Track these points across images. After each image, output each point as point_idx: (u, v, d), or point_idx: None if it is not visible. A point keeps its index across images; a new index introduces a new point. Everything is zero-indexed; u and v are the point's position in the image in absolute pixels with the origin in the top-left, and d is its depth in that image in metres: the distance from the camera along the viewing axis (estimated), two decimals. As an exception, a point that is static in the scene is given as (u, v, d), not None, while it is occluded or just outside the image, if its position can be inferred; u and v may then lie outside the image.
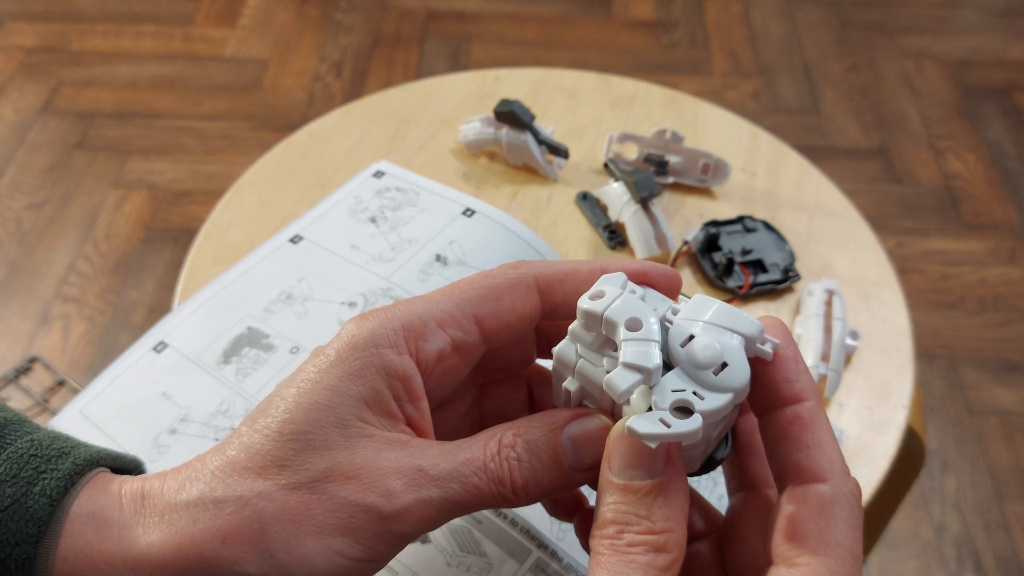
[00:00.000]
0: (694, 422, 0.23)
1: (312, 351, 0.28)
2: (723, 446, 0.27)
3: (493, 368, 0.32)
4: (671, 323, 0.26)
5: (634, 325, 0.25)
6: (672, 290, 0.28)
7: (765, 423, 0.26)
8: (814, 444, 0.24)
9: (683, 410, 0.24)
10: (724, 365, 0.24)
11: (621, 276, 0.27)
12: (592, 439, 0.26)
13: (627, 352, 0.24)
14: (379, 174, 0.56)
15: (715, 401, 0.24)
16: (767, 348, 0.25)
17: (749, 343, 0.25)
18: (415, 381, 0.27)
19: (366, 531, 0.25)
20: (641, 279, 0.28)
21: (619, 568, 0.23)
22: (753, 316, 0.26)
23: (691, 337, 0.25)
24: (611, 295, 0.26)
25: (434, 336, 0.28)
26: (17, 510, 0.25)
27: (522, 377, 0.33)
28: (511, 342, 0.30)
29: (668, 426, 0.23)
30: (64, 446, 0.27)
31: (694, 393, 0.24)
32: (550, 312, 0.30)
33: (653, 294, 0.27)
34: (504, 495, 0.26)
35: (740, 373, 0.24)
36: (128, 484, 0.26)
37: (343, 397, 0.26)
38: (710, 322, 0.25)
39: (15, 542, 0.24)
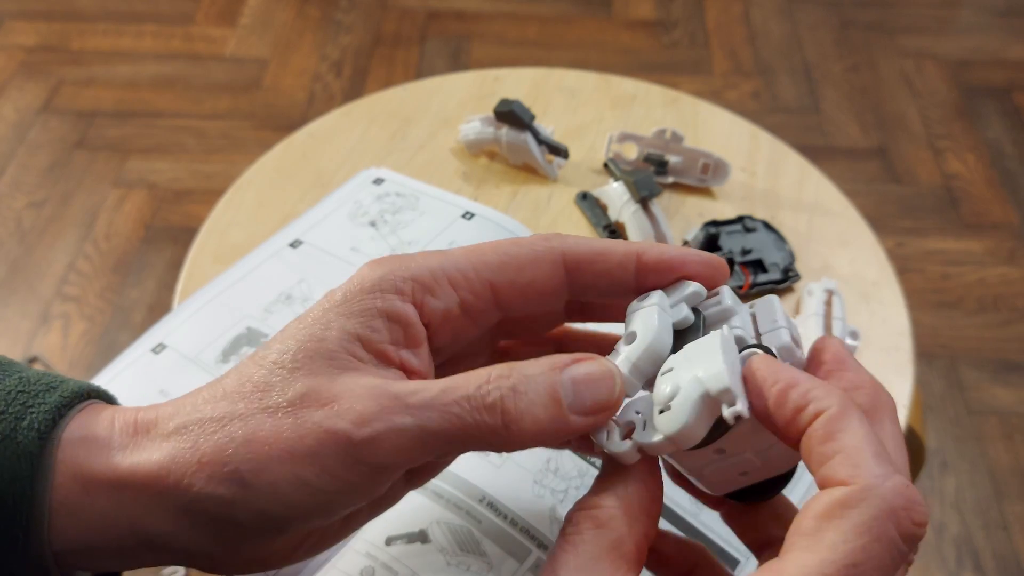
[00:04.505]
0: (623, 446, 0.25)
1: (326, 293, 0.28)
2: (778, 484, 0.27)
3: (515, 328, 0.31)
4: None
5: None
6: (716, 280, 0.28)
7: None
8: (834, 453, 0.22)
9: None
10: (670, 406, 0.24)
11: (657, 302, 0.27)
12: (594, 381, 0.25)
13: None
14: (379, 181, 0.57)
15: (648, 437, 0.25)
16: (727, 414, 0.23)
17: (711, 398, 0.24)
18: (416, 328, 0.27)
19: (334, 459, 0.24)
20: (678, 270, 0.27)
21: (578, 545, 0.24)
22: (735, 365, 0.24)
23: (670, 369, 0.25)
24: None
25: (443, 293, 0.27)
26: (8, 446, 0.24)
27: (548, 339, 0.32)
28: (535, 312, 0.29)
29: (627, 439, 0.25)
30: (52, 381, 0.26)
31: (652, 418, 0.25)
32: (578, 291, 0.28)
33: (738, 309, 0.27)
34: (493, 427, 0.24)
35: (674, 421, 0.24)
36: (121, 413, 0.26)
37: (339, 332, 0.26)
38: (696, 355, 0.24)
39: (9, 478, 0.24)
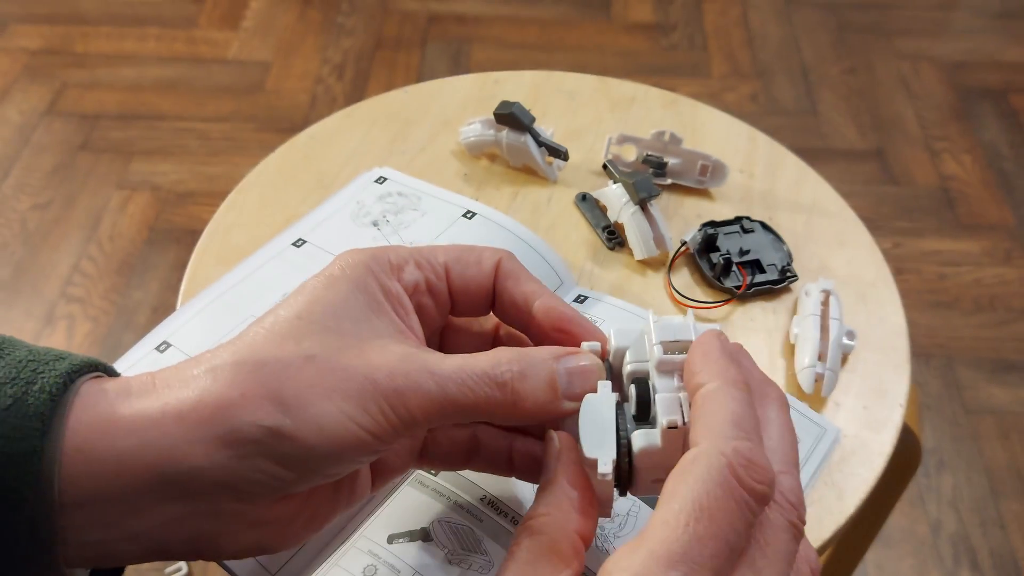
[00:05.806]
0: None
1: (316, 274, 0.30)
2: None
3: (458, 333, 0.35)
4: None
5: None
6: (596, 336, 0.32)
7: None
8: (694, 422, 0.26)
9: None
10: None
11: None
12: (584, 373, 0.29)
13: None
14: (381, 180, 0.57)
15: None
16: (598, 478, 0.27)
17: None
18: (404, 299, 0.30)
19: (375, 403, 0.27)
20: (564, 323, 0.31)
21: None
22: (598, 428, 0.28)
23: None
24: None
25: (412, 270, 0.31)
26: (19, 407, 0.25)
27: (488, 332, 0.35)
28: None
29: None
30: (62, 353, 0.28)
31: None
32: (497, 300, 0.33)
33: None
34: (502, 402, 0.28)
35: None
36: (135, 377, 0.27)
37: (354, 301, 0.29)
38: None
39: (19, 437, 0.24)
